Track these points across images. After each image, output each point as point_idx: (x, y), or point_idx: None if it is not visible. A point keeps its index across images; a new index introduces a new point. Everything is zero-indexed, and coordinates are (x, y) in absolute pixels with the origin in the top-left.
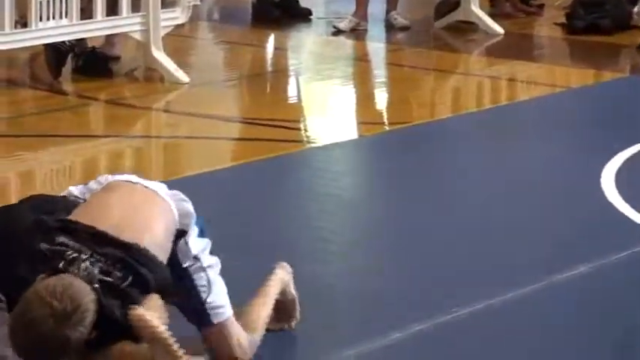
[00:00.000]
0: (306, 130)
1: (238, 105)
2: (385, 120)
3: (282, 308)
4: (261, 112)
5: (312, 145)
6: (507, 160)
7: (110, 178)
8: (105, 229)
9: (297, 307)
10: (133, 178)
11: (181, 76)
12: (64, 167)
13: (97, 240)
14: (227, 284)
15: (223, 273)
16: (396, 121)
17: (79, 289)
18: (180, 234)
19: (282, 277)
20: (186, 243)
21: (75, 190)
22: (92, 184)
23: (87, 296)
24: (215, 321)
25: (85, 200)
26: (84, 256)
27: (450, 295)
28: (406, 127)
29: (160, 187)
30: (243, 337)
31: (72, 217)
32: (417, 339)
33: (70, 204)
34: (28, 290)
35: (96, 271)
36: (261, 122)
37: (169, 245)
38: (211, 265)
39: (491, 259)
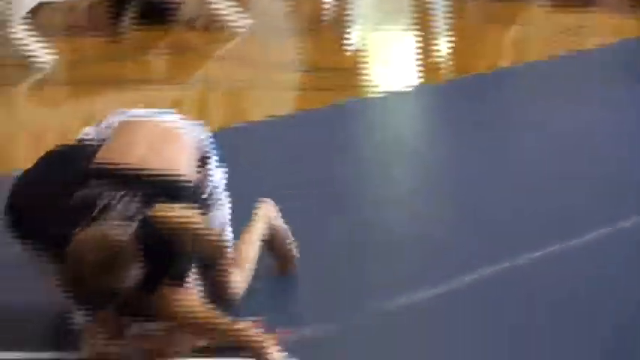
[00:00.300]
0: (367, 79)
1: (299, 53)
2: (446, 69)
3: (277, 246)
4: (321, 60)
5: (374, 93)
6: (570, 110)
7: (123, 115)
8: (135, 166)
9: (292, 241)
10: (147, 112)
11: (242, 23)
12: None
13: (128, 179)
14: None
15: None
16: (457, 70)
17: (115, 236)
18: (202, 161)
19: (265, 213)
20: (208, 170)
21: (91, 130)
22: (107, 122)
23: (124, 241)
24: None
25: (104, 140)
26: (117, 198)
27: (508, 244)
28: (467, 77)
29: (175, 118)
30: (235, 274)
31: (97, 160)
32: (476, 286)
33: (88, 150)
34: (68, 247)
35: (133, 209)
36: (322, 70)
37: (194, 175)
38: (222, 201)
39: (549, 210)
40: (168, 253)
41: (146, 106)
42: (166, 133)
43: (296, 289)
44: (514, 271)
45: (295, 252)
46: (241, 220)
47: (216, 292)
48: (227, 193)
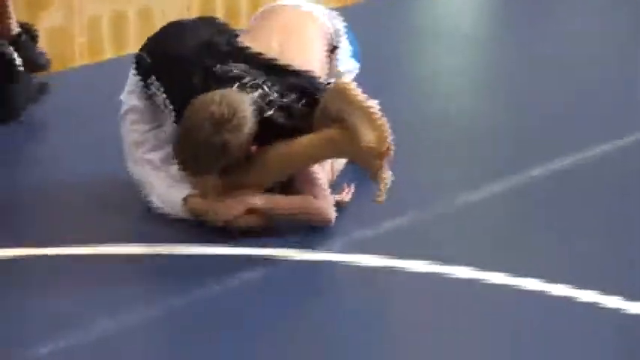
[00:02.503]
0: None
1: None
2: None
3: None
4: None
5: None
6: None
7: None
8: (274, 56)
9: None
10: (291, 1)
11: None
12: (181, 5)
13: (270, 66)
14: None
15: None
16: None
17: (240, 98)
18: (334, 50)
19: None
20: (337, 58)
21: None
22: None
23: (247, 105)
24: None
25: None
26: (259, 82)
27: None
28: None
29: (315, 7)
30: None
31: (243, 41)
32: (558, 176)
33: (231, 30)
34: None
35: (273, 95)
36: None
37: (328, 62)
38: None
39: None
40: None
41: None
42: (302, 18)
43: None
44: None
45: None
46: None
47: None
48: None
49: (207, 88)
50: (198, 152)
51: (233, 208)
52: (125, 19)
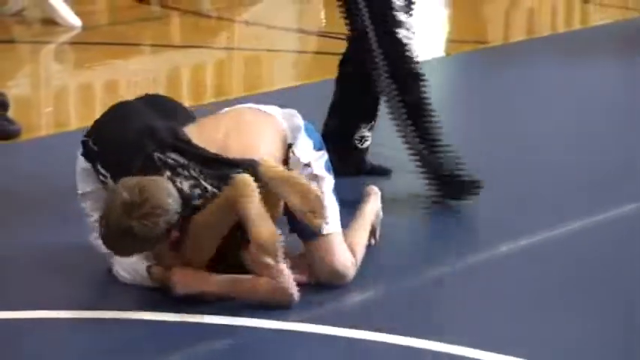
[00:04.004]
0: None
1: (321, 18)
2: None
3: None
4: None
5: None
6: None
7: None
8: (216, 151)
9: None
10: (250, 105)
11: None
12: (147, 77)
13: (207, 159)
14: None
15: None
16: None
17: (160, 187)
18: (290, 146)
19: (375, 204)
20: (293, 152)
21: None
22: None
23: (165, 194)
24: (322, 232)
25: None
26: (194, 173)
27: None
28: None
29: (273, 108)
30: (348, 256)
31: (186, 133)
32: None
33: (182, 112)
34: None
35: (208, 186)
36: (340, 37)
37: (281, 158)
38: (323, 177)
39: None
40: None
41: (168, 69)
42: (257, 115)
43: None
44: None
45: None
46: None
47: (325, 271)
48: (329, 175)
49: (144, 174)
50: (110, 234)
51: (188, 287)
52: None
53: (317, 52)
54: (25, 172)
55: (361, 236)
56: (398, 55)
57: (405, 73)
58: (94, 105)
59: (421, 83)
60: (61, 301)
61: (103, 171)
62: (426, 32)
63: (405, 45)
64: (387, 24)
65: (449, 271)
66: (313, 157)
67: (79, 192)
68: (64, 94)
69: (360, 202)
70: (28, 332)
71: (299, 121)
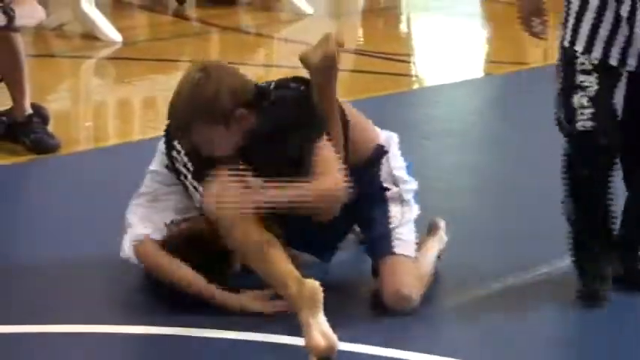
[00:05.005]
0: (417, 68)
1: (361, 37)
2: (499, 59)
3: None
4: (379, 45)
5: (424, 84)
6: None
7: None
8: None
9: None
10: None
11: (304, 6)
12: None
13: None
14: None
15: None
16: (510, 61)
17: (229, 72)
18: (383, 151)
19: (442, 233)
20: (388, 159)
21: None
22: None
23: (234, 75)
24: (397, 251)
25: None
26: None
27: None
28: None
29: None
30: (416, 283)
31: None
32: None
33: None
34: None
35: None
36: (377, 55)
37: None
38: (409, 204)
39: None
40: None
41: None
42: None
43: None
44: None
45: None
46: None
47: (391, 292)
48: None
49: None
50: (178, 99)
51: (225, 203)
52: None
53: (353, 71)
54: (63, 187)
55: (428, 263)
56: None
57: None
58: (133, 120)
59: None
60: (93, 316)
61: (178, 147)
62: (466, 53)
63: None
64: None
65: None
66: (403, 177)
67: (151, 168)
68: (103, 109)
69: (427, 233)
70: (61, 346)
71: (394, 136)
